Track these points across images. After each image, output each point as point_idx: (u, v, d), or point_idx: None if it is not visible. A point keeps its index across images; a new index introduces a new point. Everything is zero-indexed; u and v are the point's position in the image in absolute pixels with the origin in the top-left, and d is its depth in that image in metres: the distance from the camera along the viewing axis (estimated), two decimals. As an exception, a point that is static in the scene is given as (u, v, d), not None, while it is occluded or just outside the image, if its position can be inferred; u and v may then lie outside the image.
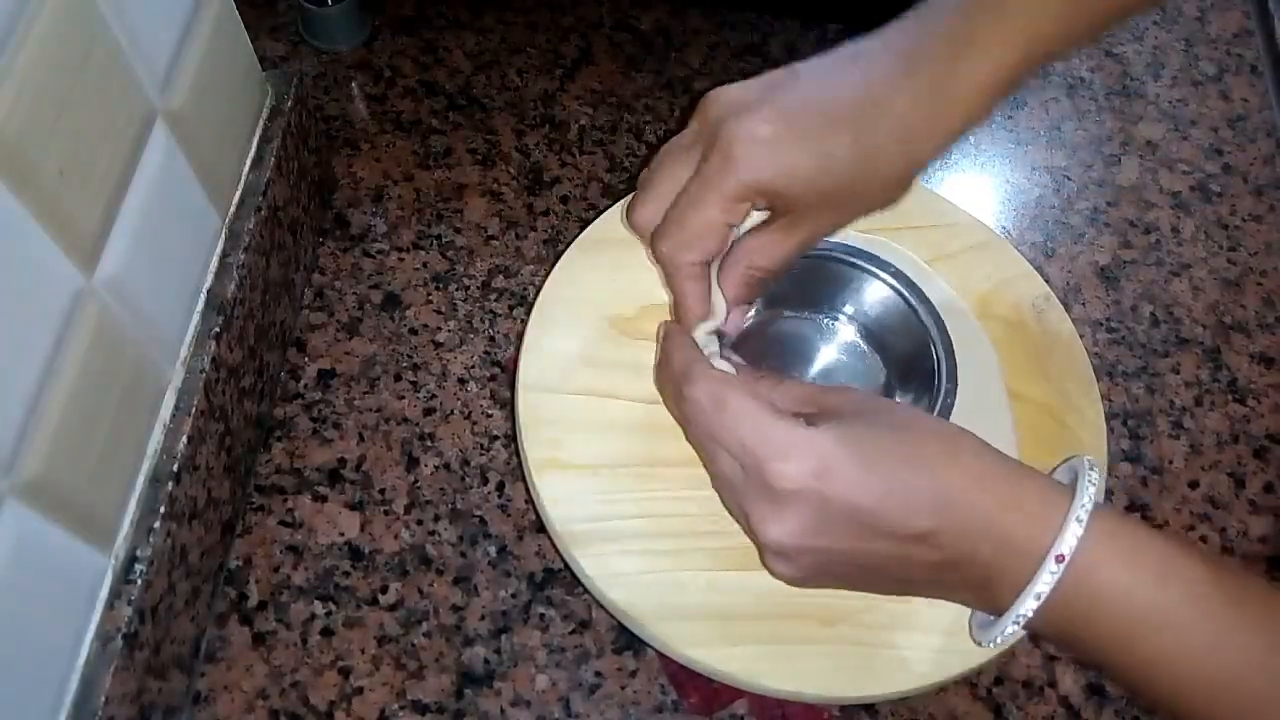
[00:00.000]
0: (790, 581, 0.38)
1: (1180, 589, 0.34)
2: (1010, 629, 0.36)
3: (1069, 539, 0.34)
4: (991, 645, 0.37)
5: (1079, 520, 0.34)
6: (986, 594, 0.37)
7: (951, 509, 0.36)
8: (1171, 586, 0.34)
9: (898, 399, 0.49)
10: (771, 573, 0.38)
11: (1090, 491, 0.35)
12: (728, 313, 0.44)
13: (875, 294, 0.50)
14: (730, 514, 0.40)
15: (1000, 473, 0.37)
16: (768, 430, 0.37)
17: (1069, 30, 0.40)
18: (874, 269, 0.49)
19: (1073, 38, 0.40)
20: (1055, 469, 0.40)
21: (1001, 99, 0.40)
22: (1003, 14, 0.39)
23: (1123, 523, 0.35)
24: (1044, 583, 0.34)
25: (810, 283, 0.49)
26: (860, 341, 0.51)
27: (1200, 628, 0.34)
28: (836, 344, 0.51)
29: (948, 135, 0.40)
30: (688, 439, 0.41)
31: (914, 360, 0.48)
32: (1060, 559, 0.34)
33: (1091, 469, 0.36)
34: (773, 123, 0.39)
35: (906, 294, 0.48)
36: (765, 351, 0.50)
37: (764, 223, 0.42)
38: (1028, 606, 0.35)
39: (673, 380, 0.41)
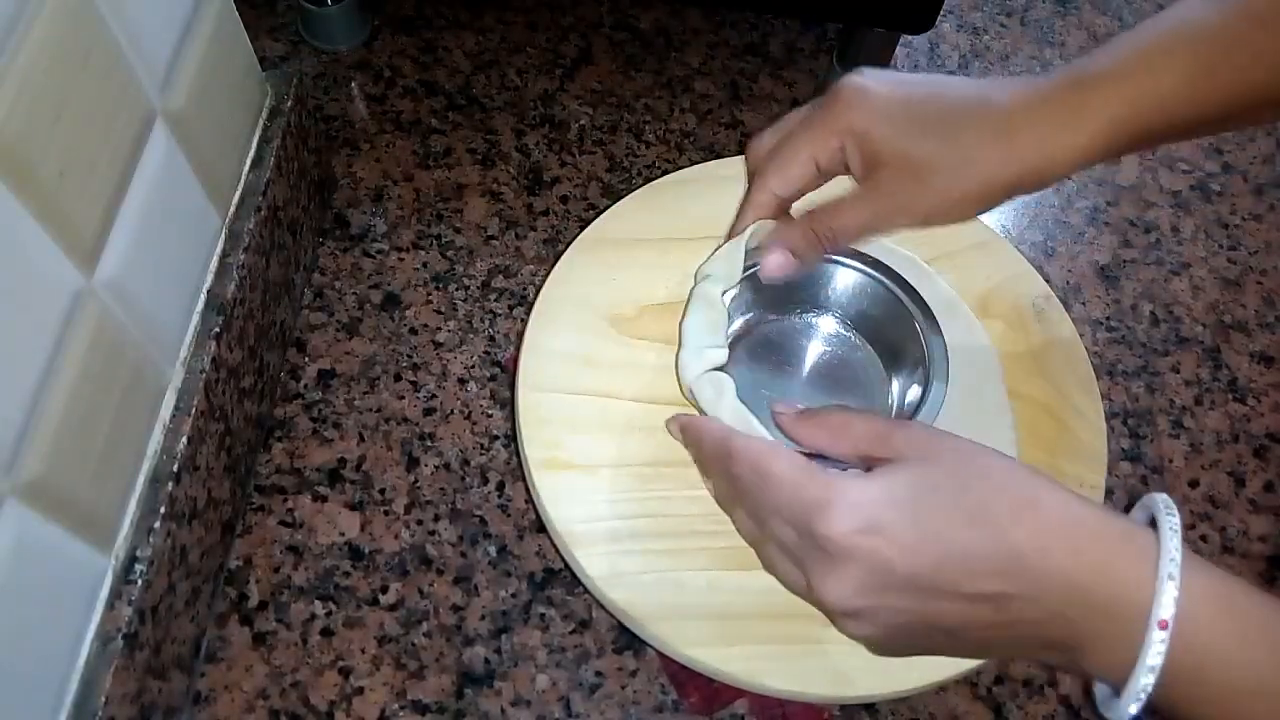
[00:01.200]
0: (875, 647, 0.37)
1: None
2: (1133, 707, 0.33)
3: (1167, 603, 0.31)
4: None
5: (1172, 578, 0.32)
6: (1077, 656, 0.34)
7: (1023, 572, 0.33)
8: (1275, 649, 0.32)
9: (894, 386, 0.49)
10: (854, 638, 0.37)
11: (1175, 542, 0.33)
12: (763, 265, 0.45)
13: (870, 292, 0.50)
14: (796, 592, 0.39)
15: (1079, 527, 0.34)
16: (810, 488, 0.36)
17: (1192, 102, 0.40)
18: (872, 270, 0.49)
19: (1197, 113, 0.40)
20: (1132, 510, 0.37)
21: (1102, 150, 0.40)
22: (1128, 68, 0.40)
23: (1218, 579, 0.33)
24: (1155, 654, 0.32)
25: (808, 284, 0.49)
26: (854, 337, 0.51)
27: None
28: (832, 341, 0.51)
29: (1041, 156, 0.40)
30: (746, 519, 0.41)
31: (908, 355, 0.48)
32: (1164, 625, 0.31)
33: (1169, 512, 0.34)
34: (887, 84, 0.42)
35: (901, 293, 0.48)
36: (762, 351, 0.50)
37: (844, 194, 0.44)
38: (1145, 682, 0.32)
39: (714, 464, 0.41)
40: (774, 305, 0.50)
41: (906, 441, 0.37)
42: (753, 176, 0.46)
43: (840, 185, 0.44)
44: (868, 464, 0.37)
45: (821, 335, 0.51)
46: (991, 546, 0.34)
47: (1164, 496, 0.35)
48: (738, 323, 0.50)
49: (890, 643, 0.37)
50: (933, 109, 0.41)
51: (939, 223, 0.42)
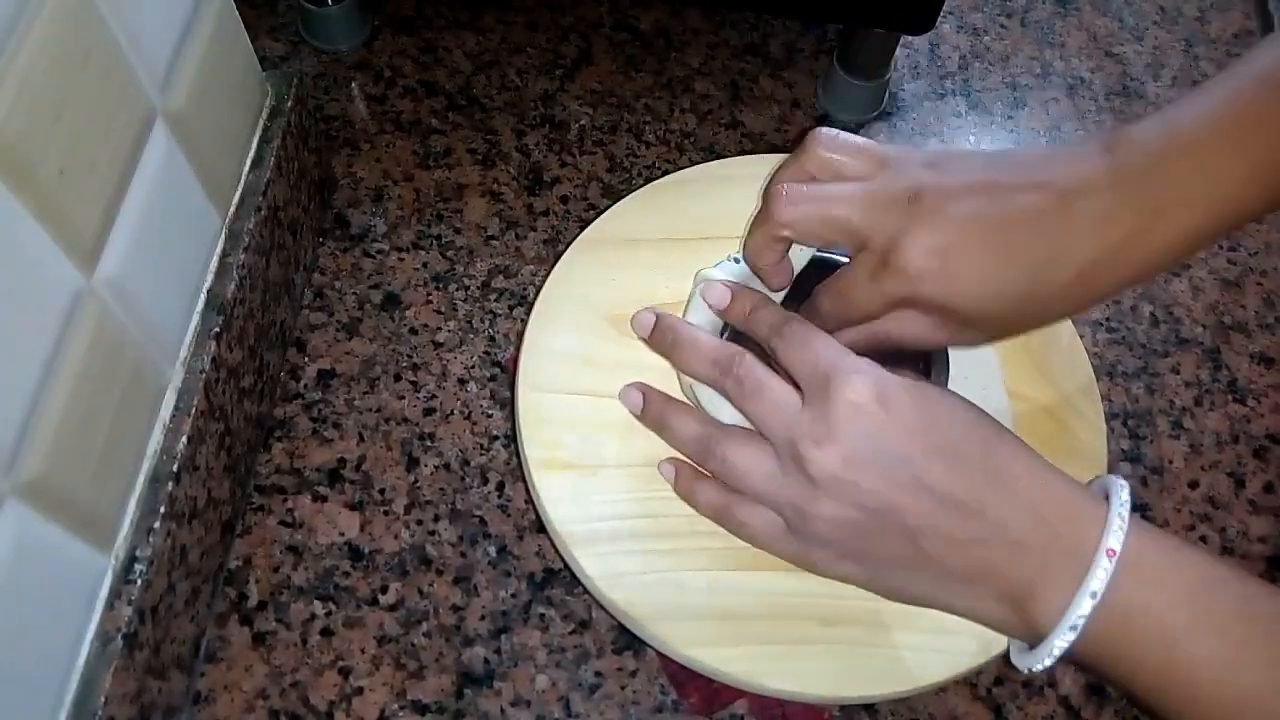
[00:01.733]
0: (828, 546, 0.38)
1: (1226, 601, 0.34)
2: (1067, 636, 0.34)
3: (1116, 533, 0.34)
4: (1041, 665, 0.35)
5: (1121, 517, 0.34)
6: (1021, 598, 0.35)
7: (999, 489, 0.35)
8: (1216, 596, 0.34)
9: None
10: (814, 532, 0.38)
11: (1124, 494, 0.35)
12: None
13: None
14: (766, 541, 0.40)
15: (1045, 468, 0.37)
16: (827, 354, 0.38)
17: (1267, 193, 0.36)
18: None
19: (1271, 201, 0.36)
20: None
21: (1182, 257, 0.37)
22: (1201, 170, 0.35)
23: (1163, 536, 0.35)
24: (1098, 580, 0.33)
25: (807, 283, 0.49)
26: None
27: (1243, 641, 0.33)
28: None
29: (1129, 276, 0.37)
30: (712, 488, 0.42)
31: (907, 353, 0.48)
32: (1111, 553, 0.33)
33: (1121, 488, 0.36)
34: (959, 232, 0.36)
35: None
36: (761, 350, 0.50)
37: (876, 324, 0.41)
38: (1084, 607, 0.33)
39: (717, 363, 0.41)
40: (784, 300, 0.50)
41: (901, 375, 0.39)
42: (820, 313, 0.42)
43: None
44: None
45: None
46: (979, 451, 0.36)
47: (1115, 477, 0.37)
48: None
49: (846, 537, 0.37)
50: (1008, 258, 0.36)
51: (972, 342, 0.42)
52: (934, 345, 0.43)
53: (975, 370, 0.48)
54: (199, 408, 0.52)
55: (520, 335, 0.52)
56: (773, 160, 0.52)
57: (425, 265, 0.71)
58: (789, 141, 0.80)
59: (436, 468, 0.64)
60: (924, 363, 0.47)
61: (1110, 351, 0.72)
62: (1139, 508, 0.66)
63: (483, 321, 0.69)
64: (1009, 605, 0.36)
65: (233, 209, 0.59)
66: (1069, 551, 0.35)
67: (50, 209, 0.41)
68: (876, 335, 0.41)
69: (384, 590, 0.60)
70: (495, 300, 0.70)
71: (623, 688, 0.57)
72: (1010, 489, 0.36)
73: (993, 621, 0.38)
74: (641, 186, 0.54)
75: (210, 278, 0.56)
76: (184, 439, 0.51)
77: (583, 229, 0.52)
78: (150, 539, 0.49)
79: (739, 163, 0.55)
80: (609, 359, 0.48)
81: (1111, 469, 0.57)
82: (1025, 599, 0.35)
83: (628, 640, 0.59)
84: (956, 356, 0.47)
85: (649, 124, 0.79)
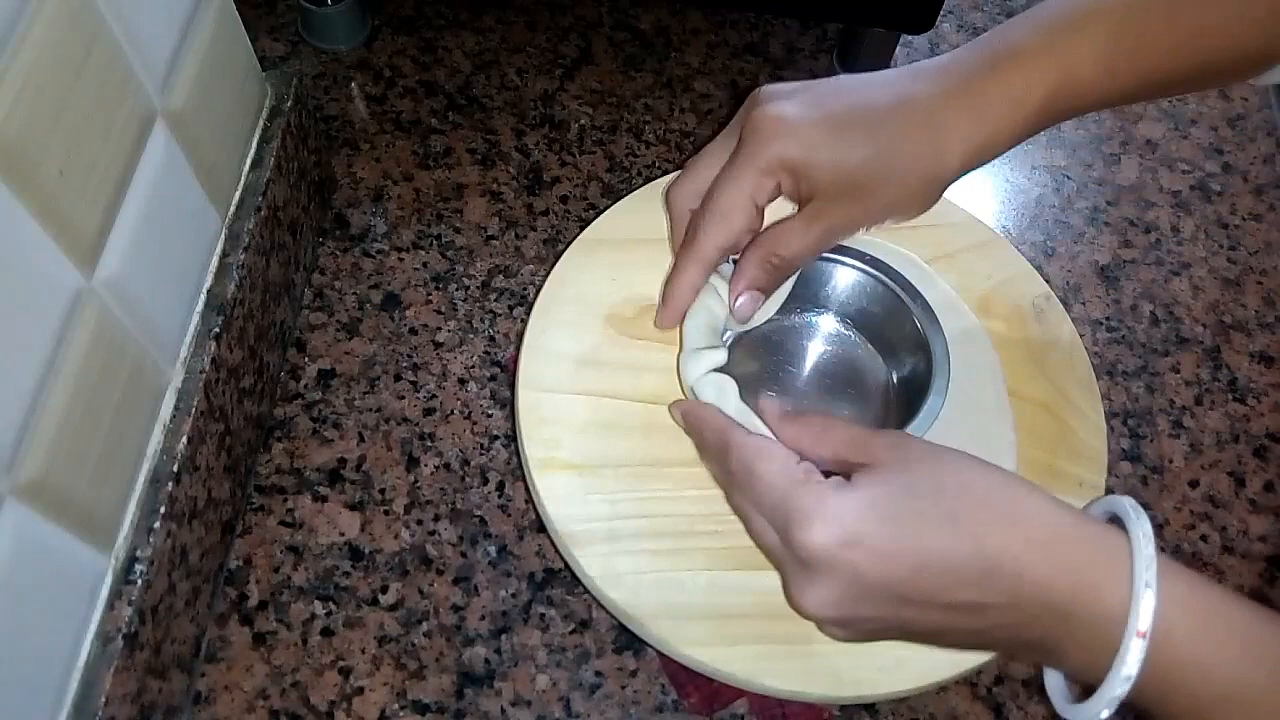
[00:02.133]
0: (850, 641, 0.38)
1: (1265, 665, 0.32)
2: (1105, 713, 0.33)
3: (1145, 612, 0.31)
4: None
5: (1149, 585, 0.32)
6: (1054, 658, 0.35)
7: (999, 581, 0.33)
8: (1253, 660, 0.32)
9: (894, 387, 0.49)
10: (829, 635, 0.38)
11: (1149, 549, 0.33)
12: (733, 309, 0.45)
13: (870, 291, 0.50)
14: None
15: (1057, 537, 0.34)
16: (793, 497, 0.36)
17: (1110, 81, 0.40)
18: (872, 270, 0.49)
19: (1116, 90, 0.40)
20: (1089, 506, 0.37)
21: (1030, 128, 0.40)
22: (1047, 47, 0.40)
23: (1196, 586, 0.33)
24: (1132, 663, 0.32)
25: (807, 282, 0.49)
26: (854, 336, 0.50)
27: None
28: (832, 340, 0.51)
29: (973, 146, 0.40)
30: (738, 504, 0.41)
31: (908, 355, 0.48)
32: (1142, 635, 0.31)
33: (1139, 518, 0.34)
34: (803, 105, 0.41)
35: (901, 292, 0.48)
36: (762, 350, 0.50)
37: (789, 216, 0.43)
38: (1120, 691, 0.32)
39: (711, 455, 0.41)
40: (786, 303, 0.50)
41: (885, 448, 0.37)
42: (687, 230, 0.44)
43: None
44: (848, 470, 0.37)
45: (822, 334, 0.51)
46: (969, 555, 0.34)
47: (1130, 500, 0.34)
48: (761, 319, 0.50)
49: (873, 639, 0.37)
50: (858, 122, 0.40)
51: (891, 223, 0.43)
52: (814, 251, 0.44)
53: (976, 371, 0.48)
54: (199, 408, 0.52)
55: (520, 335, 0.52)
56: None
57: (425, 265, 0.71)
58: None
59: (436, 468, 0.64)
60: (925, 362, 0.47)
61: (1110, 351, 0.72)
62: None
63: (483, 321, 0.69)
64: (1046, 657, 0.36)
65: (233, 209, 0.59)
66: (1089, 625, 0.33)
67: (50, 209, 0.41)
68: (768, 259, 0.43)
69: (384, 590, 0.60)
70: (495, 300, 0.70)
71: (623, 687, 0.57)
72: (1013, 574, 0.34)
73: (1039, 662, 0.37)
74: (641, 186, 0.54)
75: (210, 278, 0.56)
76: (184, 439, 0.51)
77: (583, 229, 0.52)
78: (150, 539, 0.49)
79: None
80: (609, 359, 0.48)
81: (1111, 469, 0.57)
82: (1061, 660, 0.35)
83: (628, 640, 0.59)
84: (956, 359, 0.47)
85: (649, 124, 0.79)
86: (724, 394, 0.43)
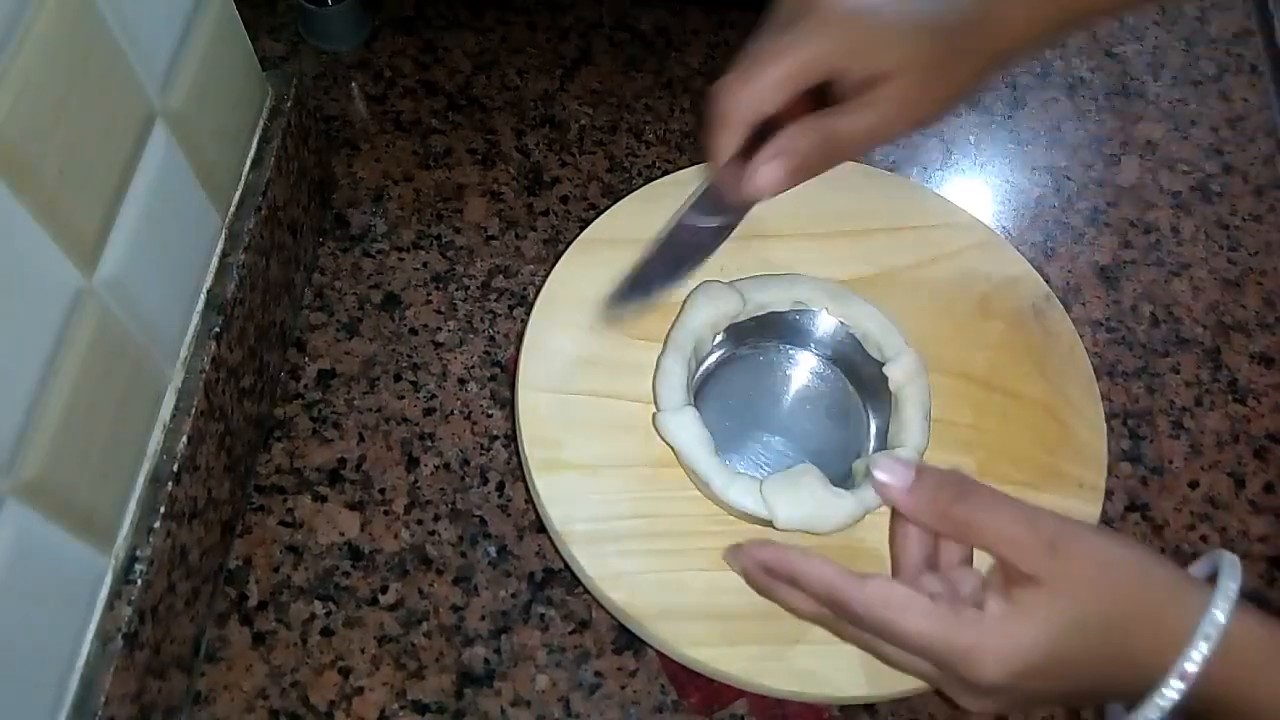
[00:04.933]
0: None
1: None
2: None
3: (1194, 656, 0.34)
4: None
5: (1206, 636, 0.34)
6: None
7: (1138, 681, 0.35)
8: None
9: (872, 423, 0.49)
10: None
11: (1222, 610, 0.34)
12: (754, 176, 0.41)
13: (832, 326, 0.49)
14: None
15: (1181, 625, 0.35)
16: (952, 641, 0.35)
17: None
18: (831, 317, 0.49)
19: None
20: (1202, 561, 0.39)
21: (1052, 38, 0.43)
22: None
23: (1257, 636, 0.35)
24: (1165, 698, 0.34)
25: (771, 323, 0.49)
26: (827, 368, 0.50)
27: None
28: (805, 371, 0.50)
29: (1009, 51, 0.41)
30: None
31: (882, 392, 0.48)
32: (1185, 676, 0.34)
33: (1230, 578, 0.36)
34: None
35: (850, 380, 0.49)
36: (736, 384, 0.50)
37: (840, 106, 0.41)
38: (1154, 713, 0.35)
39: (820, 597, 0.38)
40: (753, 336, 0.50)
41: (1049, 556, 0.36)
42: (720, 98, 0.40)
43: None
44: (1004, 569, 0.37)
45: (801, 367, 0.50)
46: (1128, 683, 0.36)
47: (1230, 555, 0.36)
48: (714, 355, 0.49)
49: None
50: (911, 12, 0.40)
51: (933, 122, 0.42)
52: (868, 139, 0.41)
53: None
54: (199, 408, 0.52)
55: (520, 335, 0.52)
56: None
57: (425, 265, 0.71)
58: (789, 141, 0.80)
59: (436, 468, 0.64)
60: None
61: (1110, 351, 0.72)
62: (1139, 508, 0.66)
63: (483, 321, 0.69)
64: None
65: (233, 209, 0.59)
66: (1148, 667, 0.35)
67: (50, 209, 0.41)
68: (820, 130, 0.40)
69: (384, 590, 0.60)
70: (495, 300, 0.70)
71: (623, 688, 0.57)
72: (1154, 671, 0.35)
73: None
74: (642, 186, 0.54)
75: (210, 278, 0.56)
76: (184, 439, 0.51)
77: (583, 229, 0.52)
78: (150, 539, 0.49)
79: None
80: (609, 359, 0.48)
81: (1111, 469, 0.57)
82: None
83: (628, 640, 0.59)
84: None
85: (649, 124, 0.79)
86: (804, 486, 0.42)
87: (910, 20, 0.40)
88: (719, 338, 0.48)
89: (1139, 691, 0.35)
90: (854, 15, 0.39)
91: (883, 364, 0.46)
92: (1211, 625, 0.34)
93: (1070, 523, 0.37)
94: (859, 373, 0.49)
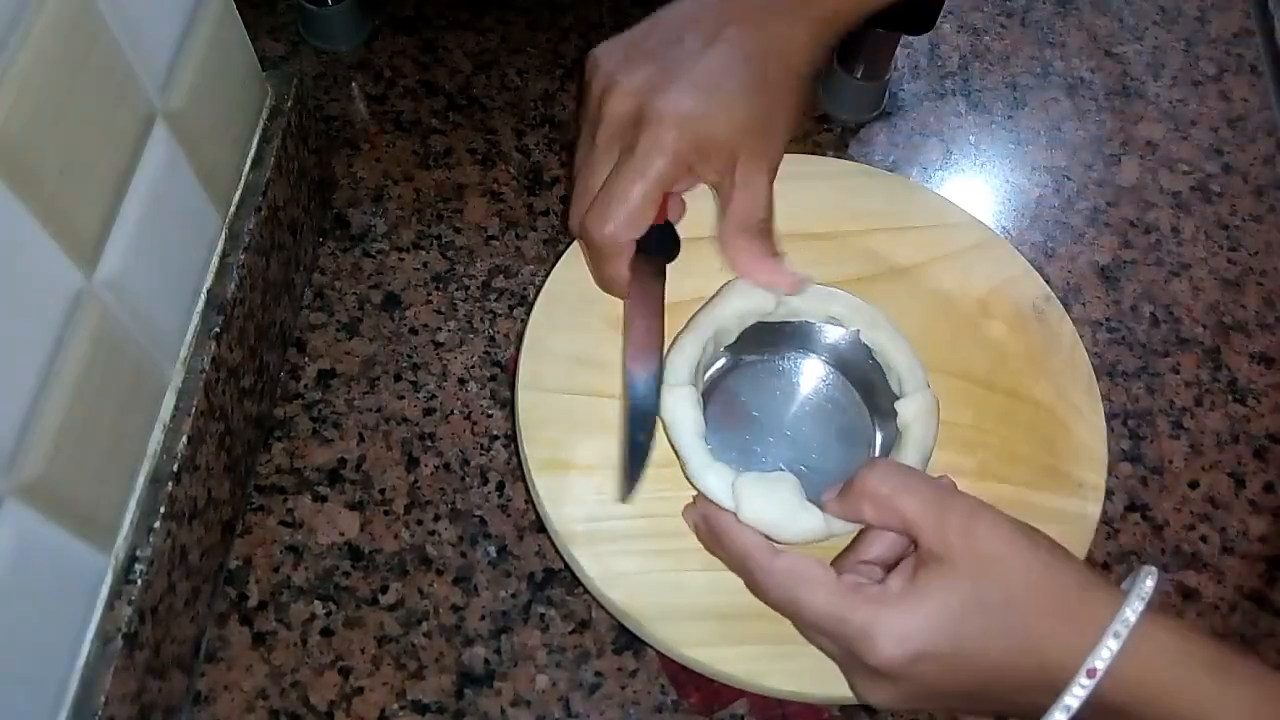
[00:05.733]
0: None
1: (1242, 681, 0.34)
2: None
3: (1103, 653, 0.33)
4: None
5: (1115, 634, 0.34)
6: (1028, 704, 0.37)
7: (1054, 682, 0.35)
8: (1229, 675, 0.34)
9: (878, 433, 0.48)
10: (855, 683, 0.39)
11: (1134, 610, 0.34)
12: (787, 290, 0.47)
13: (859, 346, 0.49)
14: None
15: (1100, 624, 0.35)
16: (850, 619, 0.36)
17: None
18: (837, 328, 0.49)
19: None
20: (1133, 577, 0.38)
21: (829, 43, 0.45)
22: None
23: (1168, 641, 0.34)
24: (1073, 695, 0.34)
25: (775, 331, 0.49)
26: (834, 374, 0.50)
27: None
28: (811, 380, 0.50)
29: (809, 30, 0.44)
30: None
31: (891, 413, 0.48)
32: (1091, 674, 0.34)
33: (1147, 578, 0.35)
34: (686, 91, 0.42)
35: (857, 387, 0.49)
36: (740, 392, 0.49)
37: (724, 195, 0.45)
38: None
39: (736, 566, 0.41)
40: (758, 345, 0.50)
41: (959, 534, 0.36)
42: (602, 234, 0.43)
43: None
44: (911, 541, 0.38)
45: (806, 377, 0.50)
46: (1033, 668, 0.35)
47: (1150, 567, 0.36)
48: (720, 361, 0.49)
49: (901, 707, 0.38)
50: (733, 80, 0.42)
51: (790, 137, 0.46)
52: (768, 192, 0.45)
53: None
54: (199, 408, 0.52)
55: (520, 335, 0.52)
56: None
57: (425, 265, 0.71)
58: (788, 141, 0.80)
59: (436, 468, 0.64)
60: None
61: (1110, 351, 0.72)
62: (1139, 508, 0.66)
63: (483, 321, 0.69)
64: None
65: (233, 209, 0.59)
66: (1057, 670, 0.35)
67: (50, 209, 0.41)
68: (754, 227, 0.45)
69: (384, 590, 0.60)
70: (495, 300, 0.70)
71: (623, 688, 0.57)
72: (1069, 672, 0.35)
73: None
74: (641, 186, 0.54)
75: (210, 278, 0.56)
76: (184, 439, 0.51)
77: (583, 229, 0.52)
78: (150, 539, 0.49)
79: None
80: (609, 359, 0.48)
81: (1111, 469, 0.57)
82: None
83: (628, 640, 0.59)
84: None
85: (649, 124, 0.79)
86: (777, 493, 0.42)
87: (722, 94, 0.42)
88: (740, 335, 0.48)
89: (1042, 695, 0.34)
90: (680, 116, 0.41)
91: (898, 396, 0.46)
92: (1122, 624, 0.34)
93: (987, 508, 0.37)
94: (874, 397, 0.48)
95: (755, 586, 0.39)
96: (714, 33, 0.43)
